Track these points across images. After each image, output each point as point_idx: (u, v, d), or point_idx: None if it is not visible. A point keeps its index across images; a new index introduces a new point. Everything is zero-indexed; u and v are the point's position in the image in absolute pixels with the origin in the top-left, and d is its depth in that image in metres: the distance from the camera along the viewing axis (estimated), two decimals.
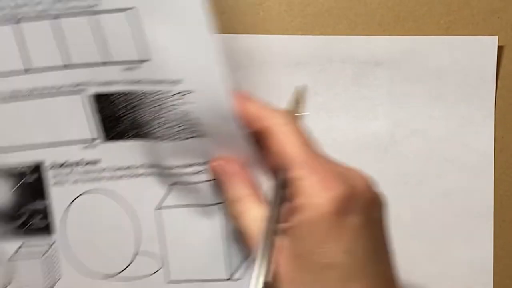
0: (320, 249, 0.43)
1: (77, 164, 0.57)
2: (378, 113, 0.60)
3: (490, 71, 0.57)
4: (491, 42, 0.57)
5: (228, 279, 0.56)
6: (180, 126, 0.53)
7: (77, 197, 0.58)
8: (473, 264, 0.61)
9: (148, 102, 0.53)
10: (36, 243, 0.59)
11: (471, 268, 0.61)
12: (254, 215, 0.49)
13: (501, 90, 0.59)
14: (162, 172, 0.55)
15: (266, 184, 0.51)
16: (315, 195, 0.43)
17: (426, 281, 0.61)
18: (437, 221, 0.61)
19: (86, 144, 0.57)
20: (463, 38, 0.57)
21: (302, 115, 0.51)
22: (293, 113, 0.51)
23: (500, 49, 0.58)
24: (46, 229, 0.59)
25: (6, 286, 0.60)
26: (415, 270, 0.61)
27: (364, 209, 0.44)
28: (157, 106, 0.53)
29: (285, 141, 0.46)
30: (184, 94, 0.51)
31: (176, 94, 0.52)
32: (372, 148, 0.61)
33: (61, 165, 0.58)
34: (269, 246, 0.46)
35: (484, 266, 0.62)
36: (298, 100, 0.52)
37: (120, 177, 0.57)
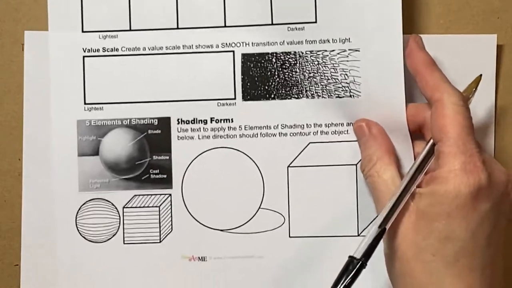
0: (445, 221, 0.47)
1: (205, 121, 0.58)
2: None
3: (490, 70, 0.57)
4: (490, 41, 0.58)
5: (357, 236, 0.59)
6: (335, 84, 0.56)
7: (202, 152, 0.59)
8: None
9: (305, 62, 0.57)
10: (152, 194, 0.59)
11: None
12: (386, 176, 0.53)
13: (501, 90, 0.59)
14: (300, 131, 0.58)
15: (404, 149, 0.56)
16: (458, 174, 0.47)
17: None
18: None
19: (221, 103, 0.58)
20: (462, 36, 0.58)
21: (471, 100, 0.55)
22: (467, 96, 0.53)
23: (500, 49, 0.58)
24: (164, 181, 0.59)
25: (116, 233, 0.59)
26: None
27: (496, 199, 0.48)
28: (315, 65, 0.56)
29: (449, 117, 0.49)
30: (351, 52, 0.55)
31: (342, 52, 0.56)
32: None
33: (189, 121, 0.58)
34: (399, 201, 0.50)
35: None
36: (473, 87, 0.55)
37: (252, 136, 0.58)
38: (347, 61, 0.55)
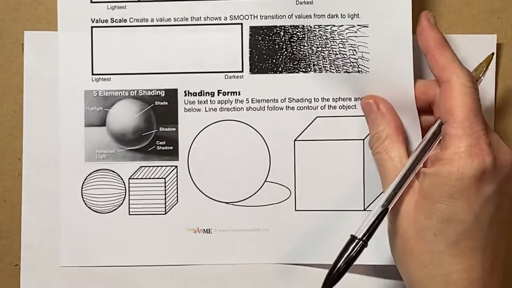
0: (447, 202, 0.48)
1: (213, 94, 0.58)
2: None
3: (490, 70, 0.56)
4: (490, 41, 0.58)
5: (363, 210, 0.59)
6: (344, 60, 0.56)
7: (209, 125, 0.59)
8: None
9: (313, 36, 0.57)
10: (158, 166, 0.59)
11: None
12: (394, 154, 0.53)
13: (500, 90, 0.59)
14: (307, 105, 0.58)
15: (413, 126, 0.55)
16: (463, 157, 0.47)
17: None
18: None
19: (229, 76, 0.58)
20: (462, 36, 0.58)
21: (481, 79, 0.55)
22: (476, 76, 0.53)
23: (499, 49, 0.58)
24: (170, 153, 0.59)
25: (121, 204, 0.59)
26: None
27: (501, 181, 0.48)
28: (324, 39, 0.56)
29: (457, 99, 0.48)
30: (359, 28, 0.55)
31: (350, 27, 0.56)
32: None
33: (196, 94, 0.58)
34: (403, 181, 0.50)
35: None
36: (484, 66, 0.54)
37: (259, 109, 0.58)
38: (356, 36, 0.55)
